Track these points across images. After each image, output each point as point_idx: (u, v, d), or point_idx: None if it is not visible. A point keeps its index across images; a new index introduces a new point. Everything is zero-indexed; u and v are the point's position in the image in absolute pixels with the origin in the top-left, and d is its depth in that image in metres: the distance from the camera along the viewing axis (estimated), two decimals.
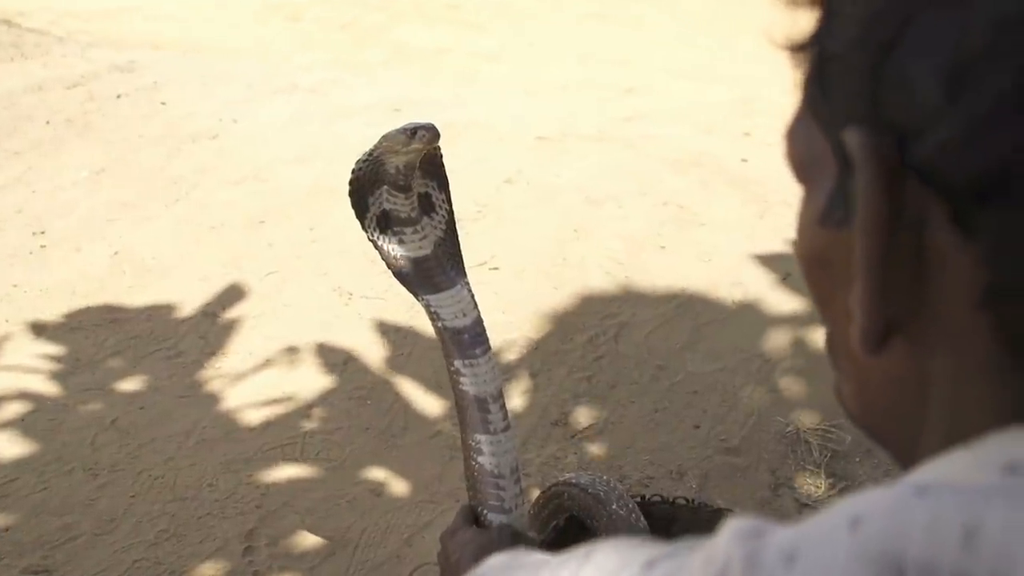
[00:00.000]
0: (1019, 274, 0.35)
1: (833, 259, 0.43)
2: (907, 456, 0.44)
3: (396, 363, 2.84)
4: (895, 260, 0.39)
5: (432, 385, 2.73)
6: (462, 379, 1.78)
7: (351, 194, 1.78)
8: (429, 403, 2.67)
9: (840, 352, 0.46)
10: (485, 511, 1.33)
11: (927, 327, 0.40)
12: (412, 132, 1.62)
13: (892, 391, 0.44)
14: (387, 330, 2.99)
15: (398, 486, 2.38)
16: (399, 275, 1.84)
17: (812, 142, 0.43)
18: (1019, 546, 0.32)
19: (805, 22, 0.42)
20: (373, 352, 2.89)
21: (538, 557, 0.75)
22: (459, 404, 1.83)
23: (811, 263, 0.45)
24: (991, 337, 0.38)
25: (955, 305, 0.38)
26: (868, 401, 0.46)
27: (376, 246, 1.82)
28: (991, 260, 0.36)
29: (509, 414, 1.47)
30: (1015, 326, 0.37)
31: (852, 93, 0.39)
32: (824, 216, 0.43)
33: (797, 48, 0.42)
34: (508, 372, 2.77)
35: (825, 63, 0.41)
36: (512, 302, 3.11)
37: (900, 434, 0.44)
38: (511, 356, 2.85)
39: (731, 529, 0.38)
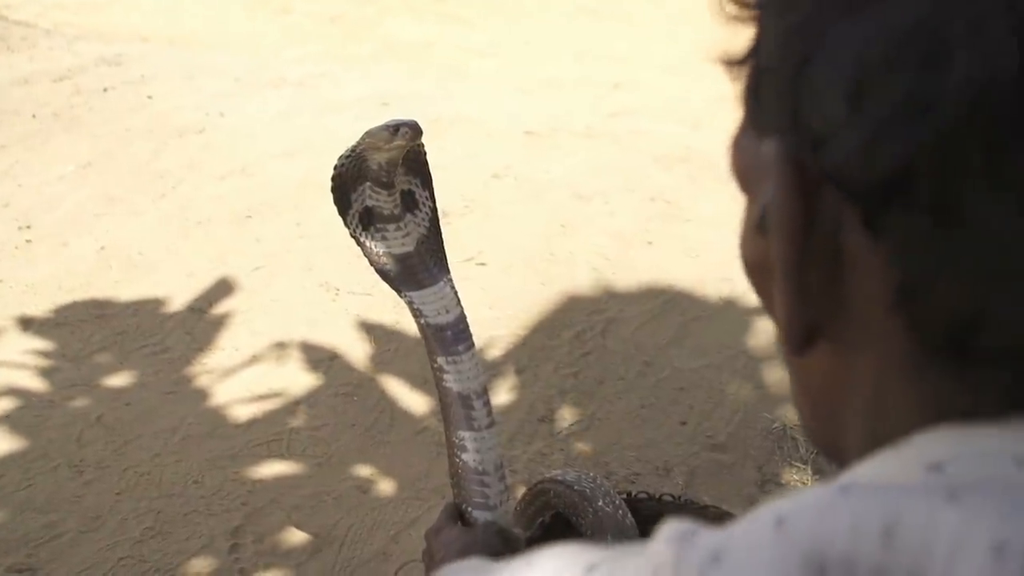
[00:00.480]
0: (924, 273, 0.37)
1: (771, 266, 0.44)
2: (843, 459, 0.45)
3: (383, 359, 2.84)
4: (813, 263, 0.41)
5: (419, 381, 2.72)
6: (445, 376, 1.78)
7: (333, 190, 1.77)
8: (416, 399, 2.67)
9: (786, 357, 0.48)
10: (470, 508, 1.33)
11: (847, 329, 0.42)
12: (395, 129, 1.62)
13: (832, 394, 0.45)
14: (374, 326, 2.99)
15: (384, 483, 2.38)
16: (381, 272, 1.84)
17: (753, 153, 0.45)
18: (936, 542, 0.33)
19: (743, 37, 0.43)
20: (360, 348, 2.89)
21: (490, 565, 0.75)
22: (443, 401, 1.83)
23: (753, 270, 0.46)
24: (905, 337, 0.39)
25: (871, 306, 0.40)
26: (813, 404, 0.47)
27: (358, 242, 1.82)
28: (899, 261, 0.38)
29: (494, 410, 1.47)
30: (925, 324, 0.38)
31: (778, 105, 0.41)
32: (760, 223, 0.44)
33: (735, 63, 0.43)
34: (495, 368, 2.77)
35: (758, 76, 0.43)
36: (499, 298, 3.11)
37: (838, 437, 0.46)
38: (498, 352, 2.85)
39: (665, 532, 0.38)
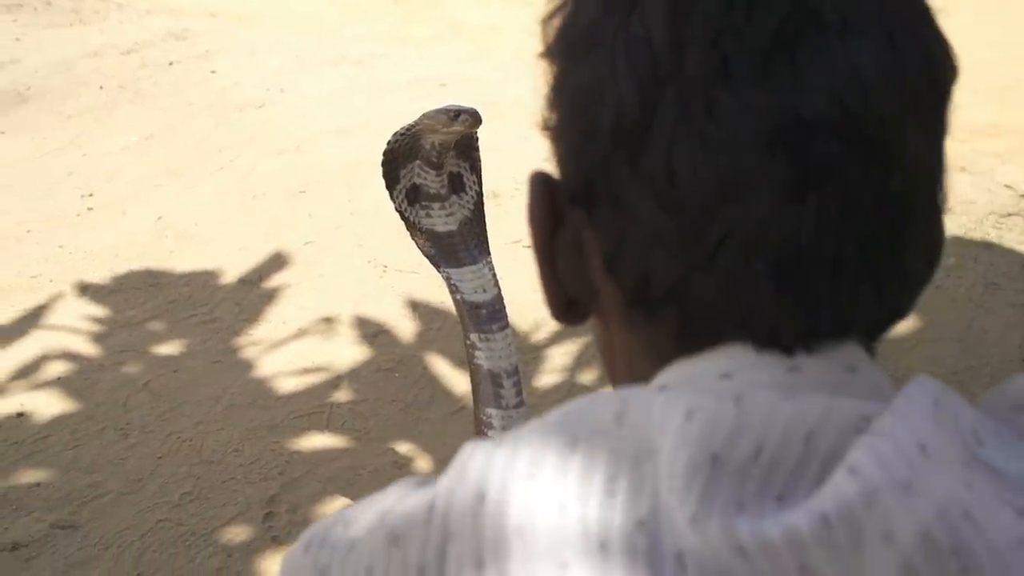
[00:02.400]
0: (614, 248, 0.53)
1: None
2: None
3: (426, 337, 2.86)
4: (563, 256, 0.57)
5: (460, 360, 2.73)
6: (477, 353, 1.79)
7: (384, 164, 1.79)
8: (456, 378, 2.68)
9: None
10: None
11: (599, 303, 0.57)
12: (455, 114, 1.62)
13: (610, 354, 0.60)
14: (419, 304, 3.00)
15: (420, 460, 2.40)
16: (422, 247, 1.85)
17: None
18: (651, 416, 0.47)
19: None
20: (404, 325, 2.91)
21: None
22: (473, 378, 1.84)
23: None
24: (621, 300, 0.54)
25: (603, 283, 0.55)
26: (607, 364, 0.61)
27: (403, 217, 1.83)
28: (600, 241, 0.54)
29: (528, 394, 1.47)
30: (623, 286, 0.54)
31: (553, 152, 0.59)
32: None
33: (546, 129, 0.58)
34: (534, 351, 2.77)
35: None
36: None
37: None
38: (538, 336, 2.85)
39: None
